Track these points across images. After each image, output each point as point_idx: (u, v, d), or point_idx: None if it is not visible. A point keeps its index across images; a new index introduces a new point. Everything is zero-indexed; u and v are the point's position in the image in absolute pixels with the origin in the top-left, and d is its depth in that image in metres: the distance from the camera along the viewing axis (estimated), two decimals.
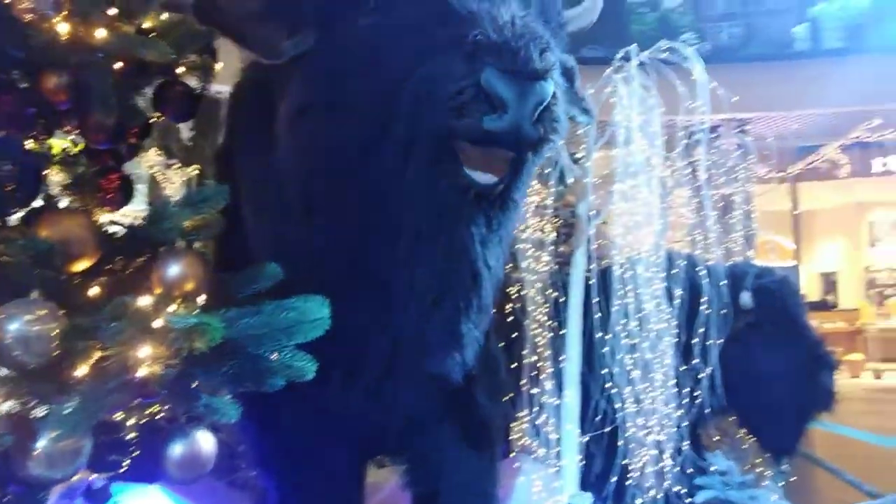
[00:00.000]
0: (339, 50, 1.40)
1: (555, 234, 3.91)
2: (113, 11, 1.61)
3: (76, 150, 1.81)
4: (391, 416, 1.81)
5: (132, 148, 1.90)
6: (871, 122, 8.05)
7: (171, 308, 1.10)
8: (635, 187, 3.26)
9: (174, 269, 1.14)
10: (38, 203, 1.58)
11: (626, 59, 2.90)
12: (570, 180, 3.20)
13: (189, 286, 1.14)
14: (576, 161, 3.54)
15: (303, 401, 1.45)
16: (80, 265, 1.10)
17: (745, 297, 2.92)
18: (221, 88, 2.09)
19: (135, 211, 1.31)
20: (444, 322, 1.45)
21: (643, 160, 3.20)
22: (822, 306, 13.01)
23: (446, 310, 1.43)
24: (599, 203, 3.32)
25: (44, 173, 1.76)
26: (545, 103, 1.17)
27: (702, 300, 2.82)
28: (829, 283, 14.61)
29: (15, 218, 1.45)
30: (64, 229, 1.07)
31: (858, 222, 13.76)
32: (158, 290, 1.14)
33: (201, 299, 1.14)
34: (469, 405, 1.94)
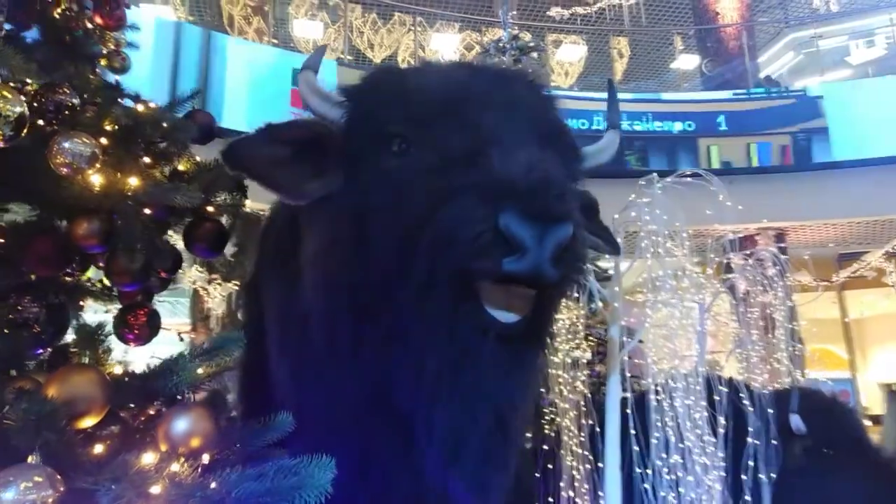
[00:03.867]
0: (364, 190, 1.43)
1: (590, 353, 3.76)
2: (146, 160, 1.70)
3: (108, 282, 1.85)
4: None
5: (163, 281, 1.94)
6: None
7: (174, 468, 1.06)
8: (669, 301, 3.15)
9: (181, 425, 1.10)
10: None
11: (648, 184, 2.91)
12: (598, 304, 3.12)
13: (195, 443, 1.10)
14: (606, 278, 3.45)
15: None
16: (86, 422, 1.08)
17: (796, 421, 2.73)
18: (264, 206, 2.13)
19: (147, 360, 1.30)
20: (465, 472, 1.38)
21: (675, 270, 3.12)
22: None
23: (468, 459, 1.38)
24: (634, 322, 3.21)
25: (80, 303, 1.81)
26: (565, 244, 1.16)
27: (748, 430, 2.63)
28: (892, 394, 13.69)
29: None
30: (72, 387, 1.05)
31: None
32: (164, 447, 1.10)
33: (206, 458, 1.09)
34: None
